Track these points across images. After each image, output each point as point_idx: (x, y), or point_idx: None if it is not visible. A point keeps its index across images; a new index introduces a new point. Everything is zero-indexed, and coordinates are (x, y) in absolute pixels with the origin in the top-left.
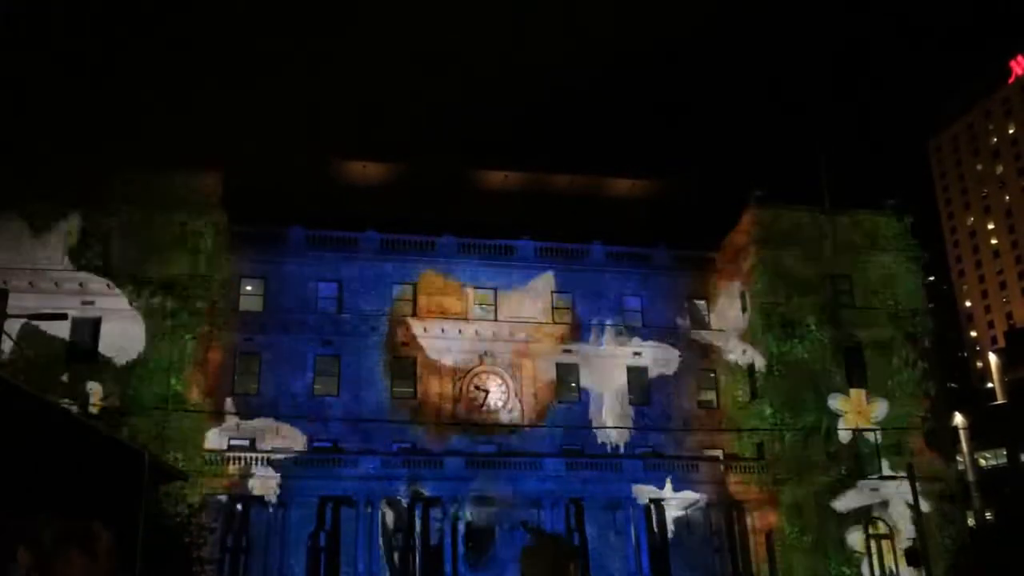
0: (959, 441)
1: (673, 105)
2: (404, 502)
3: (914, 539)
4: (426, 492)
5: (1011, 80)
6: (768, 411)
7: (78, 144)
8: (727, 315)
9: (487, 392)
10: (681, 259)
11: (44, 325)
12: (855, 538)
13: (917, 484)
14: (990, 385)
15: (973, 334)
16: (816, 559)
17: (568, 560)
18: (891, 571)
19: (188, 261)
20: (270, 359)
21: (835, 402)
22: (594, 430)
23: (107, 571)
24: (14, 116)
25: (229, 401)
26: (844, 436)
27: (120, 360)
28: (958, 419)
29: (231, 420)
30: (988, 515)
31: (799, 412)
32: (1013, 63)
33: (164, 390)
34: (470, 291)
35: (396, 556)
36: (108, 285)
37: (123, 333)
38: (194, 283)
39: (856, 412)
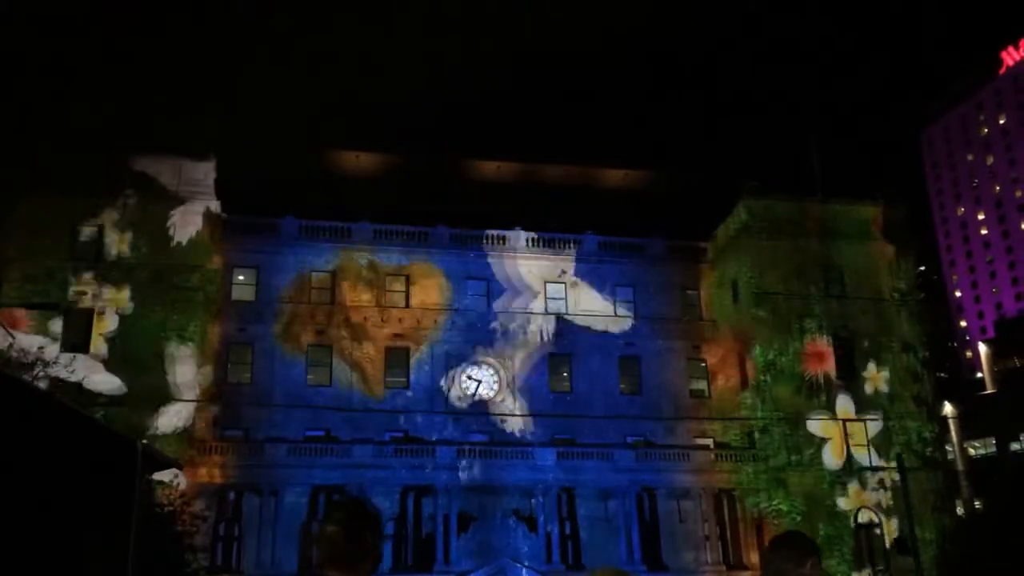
0: (949, 431)
1: (666, 95)
2: (396, 491)
3: (903, 528)
4: (418, 481)
5: (1002, 71)
6: (759, 400)
7: (71, 133)
8: (719, 305)
9: (479, 382)
10: (674, 249)
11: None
12: (845, 527)
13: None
14: (980, 375)
15: (963, 324)
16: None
17: (809, 556)
18: (880, 560)
19: (181, 250)
20: (263, 349)
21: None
22: (586, 419)
23: (381, 556)
24: (8, 106)
25: (222, 390)
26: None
27: (113, 349)
28: (948, 409)
29: (225, 409)
30: (977, 504)
31: (790, 402)
32: (1004, 54)
33: (157, 379)
34: (463, 281)
35: (388, 545)
36: (100, 274)
37: (115, 322)
38: (187, 272)
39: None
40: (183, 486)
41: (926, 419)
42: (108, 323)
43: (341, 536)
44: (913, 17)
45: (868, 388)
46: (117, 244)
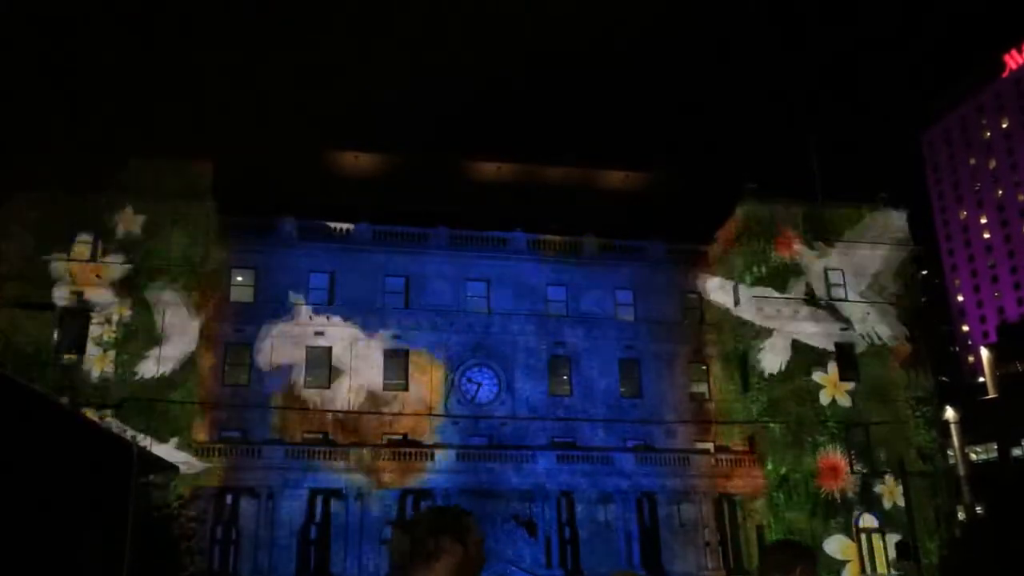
0: (950, 435)
1: (667, 97)
2: (395, 494)
3: (904, 533)
4: (416, 485)
5: (1005, 74)
6: (760, 404)
7: (69, 133)
8: (720, 308)
9: (479, 384)
10: (674, 252)
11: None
12: (846, 532)
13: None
14: (982, 379)
15: (965, 328)
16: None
17: (797, 563)
18: (881, 565)
19: (179, 251)
20: (261, 350)
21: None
22: (585, 423)
23: (477, 562)
24: (7, 105)
25: (220, 392)
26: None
27: (109, 351)
28: (949, 413)
29: (222, 411)
30: (979, 509)
31: (790, 405)
32: (1007, 57)
33: (153, 381)
34: (463, 283)
35: (386, 549)
36: (97, 275)
37: (112, 322)
38: (185, 273)
39: (833, 385)
40: (180, 488)
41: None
42: (104, 323)
43: (405, 539)
44: (915, 18)
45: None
46: (114, 244)
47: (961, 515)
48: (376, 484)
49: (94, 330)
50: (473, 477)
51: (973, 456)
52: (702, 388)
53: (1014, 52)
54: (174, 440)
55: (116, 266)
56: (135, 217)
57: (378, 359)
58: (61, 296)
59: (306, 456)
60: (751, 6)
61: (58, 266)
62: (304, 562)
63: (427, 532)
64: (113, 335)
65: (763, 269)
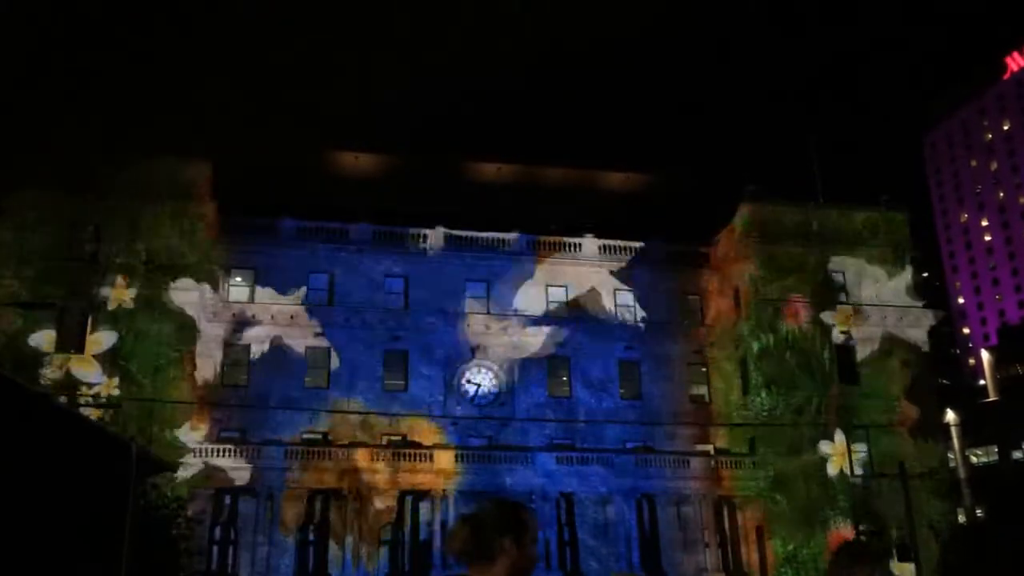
0: (951, 438)
1: (667, 97)
2: (394, 495)
3: (904, 534)
4: (416, 486)
5: (1006, 76)
6: (760, 407)
7: (68, 133)
8: (720, 310)
9: (478, 385)
10: (674, 253)
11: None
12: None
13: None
14: (982, 382)
15: (966, 331)
16: (805, 554)
17: (860, 563)
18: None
19: (178, 251)
20: (260, 350)
21: (825, 447)
22: (585, 424)
23: (531, 561)
24: (5, 104)
25: (219, 392)
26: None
27: (108, 351)
28: (950, 416)
29: (221, 411)
30: (979, 512)
31: (791, 408)
32: (1008, 59)
33: (152, 380)
34: (462, 283)
35: (385, 550)
36: (96, 274)
37: (111, 322)
38: (183, 273)
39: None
40: (179, 489)
41: (928, 425)
42: (103, 323)
43: (466, 534)
44: (916, 19)
45: None
46: (113, 244)
47: (961, 517)
48: (375, 485)
49: (95, 329)
50: (472, 478)
51: (974, 459)
52: (702, 390)
53: (1015, 54)
54: (174, 439)
55: (115, 265)
56: (134, 217)
57: (378, 359)
58: (61, 295)
59: (305, 456)
60: (751, 6)
61: (57, 265)
62: (303, 562)
63: (493, 532)
64: (110, 334)
65: (764, 270)
